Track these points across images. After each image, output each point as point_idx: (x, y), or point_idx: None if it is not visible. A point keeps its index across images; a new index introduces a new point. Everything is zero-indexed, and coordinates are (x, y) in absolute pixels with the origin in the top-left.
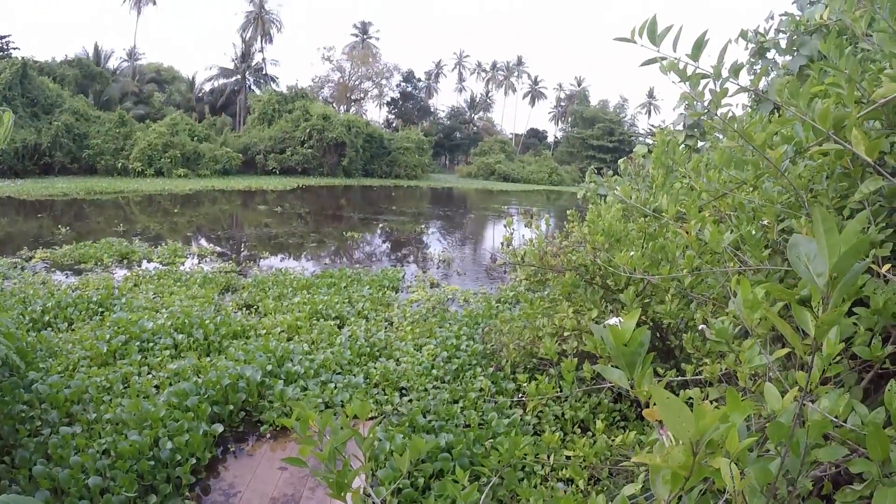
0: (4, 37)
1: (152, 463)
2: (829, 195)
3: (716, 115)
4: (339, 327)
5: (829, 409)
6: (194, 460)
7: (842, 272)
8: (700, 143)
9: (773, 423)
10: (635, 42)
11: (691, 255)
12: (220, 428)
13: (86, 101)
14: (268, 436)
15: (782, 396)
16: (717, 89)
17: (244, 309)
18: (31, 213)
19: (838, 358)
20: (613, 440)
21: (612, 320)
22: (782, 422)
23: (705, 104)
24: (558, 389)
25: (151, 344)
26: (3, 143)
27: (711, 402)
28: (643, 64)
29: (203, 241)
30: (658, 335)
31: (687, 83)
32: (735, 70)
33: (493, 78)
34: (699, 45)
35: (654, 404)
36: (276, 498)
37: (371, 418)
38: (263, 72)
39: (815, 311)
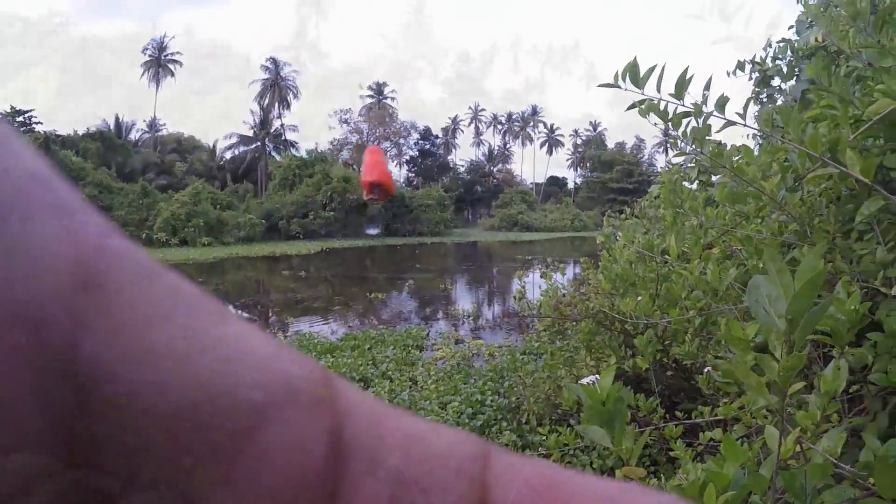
0: (27, 112)
1: None
2: (831, 221)
3: (701, 152)
4: (364, 389)
5: (830, 449)
6: None
7: (796, 312)
8: (714, 178)
9: (752, 476)
10: (620, 87)
11: (696, 295)
12: None
13: (108, 174)
14: None
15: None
16: (700, 125)
17: None
18: None
19: (858, 386)
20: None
21: (588, 379)
22: (763, 474)
23: (691, 143)
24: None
25: None
26: None
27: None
28: (629, 108)
29: (230, 308)
30: (683, 376)
31: (670, 123)
32: (720, 104)
33: (510, 130)
34: (682, 84)
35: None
36: None
37: None
38: (283, 138)
39: (775, 356)
